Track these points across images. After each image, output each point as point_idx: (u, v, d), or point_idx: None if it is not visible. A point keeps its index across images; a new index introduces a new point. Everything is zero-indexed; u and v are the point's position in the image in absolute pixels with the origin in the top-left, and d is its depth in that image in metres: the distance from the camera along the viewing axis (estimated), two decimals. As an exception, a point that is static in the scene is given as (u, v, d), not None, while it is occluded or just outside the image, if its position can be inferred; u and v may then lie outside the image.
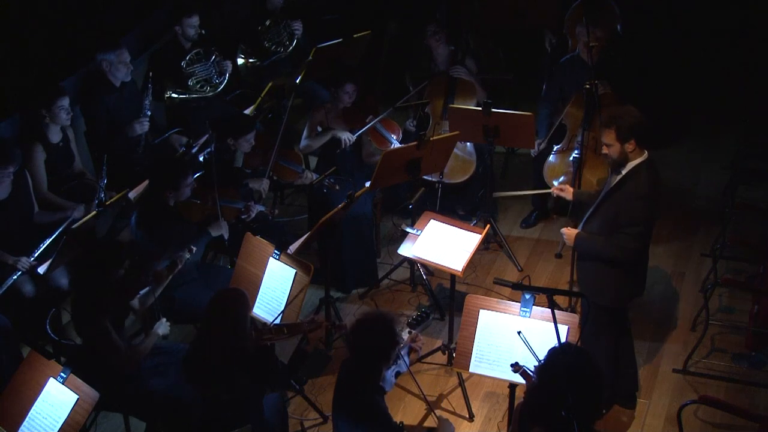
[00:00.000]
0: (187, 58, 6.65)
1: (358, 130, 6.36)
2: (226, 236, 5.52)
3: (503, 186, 7.36)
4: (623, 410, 5.22)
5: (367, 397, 4.11)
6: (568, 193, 5.33)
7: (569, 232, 4.95)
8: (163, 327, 4.84)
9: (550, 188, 5.68)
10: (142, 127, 6.27)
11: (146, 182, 5.60)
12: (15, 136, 5.93)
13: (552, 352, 3.72)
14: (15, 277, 5.26)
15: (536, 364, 3.88)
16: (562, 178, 6.41)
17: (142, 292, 4.96)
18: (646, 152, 4.73)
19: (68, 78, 6.47)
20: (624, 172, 4.73)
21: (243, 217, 5.72)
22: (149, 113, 6.31)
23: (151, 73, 6.44)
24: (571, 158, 6.31)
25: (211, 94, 6.79)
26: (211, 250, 6.15)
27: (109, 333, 4.56)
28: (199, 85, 6.75)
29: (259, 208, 5.84)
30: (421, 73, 6.93)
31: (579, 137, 6.08)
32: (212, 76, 6.79)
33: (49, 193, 5.80)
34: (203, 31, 6.76)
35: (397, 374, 4.43)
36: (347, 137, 6.31)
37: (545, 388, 3.62)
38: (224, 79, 6.85)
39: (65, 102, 5.74)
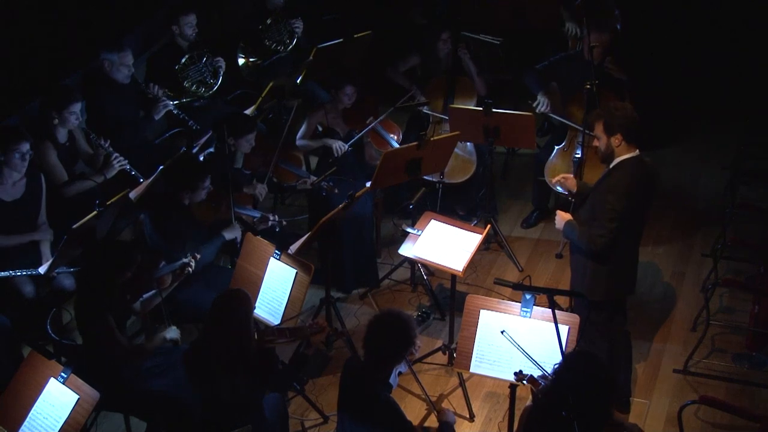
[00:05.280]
0: (182, 62, 6.61)
1: (352, 139, 6.37)
2: (239, 239, 5.52)
3: (503, 186, 7.36)
4: (618, 414, 5.21)
5: (381, 395, 4.13)
6: (572, 184, 5.23)
7: (563, 215, 4.97)
8: (172, 332, 4.83)
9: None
10: (166, 105, 6.33)
11: (147, 182, 5.60)
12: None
13: (570, 355, 3.74)
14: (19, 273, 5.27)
15: (553, 366, 3.88)
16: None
17: (146, 295, 4.96)
18: (637, 150, 4.75)
19: (68, 78, 6.46)
20: (611, 165, 4.79)
21: (259, 227, 5.70)
22: (168, 102, 6.36)
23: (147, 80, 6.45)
24: (573, 158, 6.31)
25: (206, 94, 6.78)
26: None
27: (111, 328, 4.58)
28: (194, 87, 6.73)
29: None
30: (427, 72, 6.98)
31: (579, 137, 6.09)
32: (206, 77, 6.77)
33: (68, 188, 5.80)
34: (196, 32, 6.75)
35: (399, 373, 4.44)
36: (339, 146, 6.32)
37: (560, 391, 3.62)
38: (219, 78, 6.82)
39: (77, 108, 5.74)
